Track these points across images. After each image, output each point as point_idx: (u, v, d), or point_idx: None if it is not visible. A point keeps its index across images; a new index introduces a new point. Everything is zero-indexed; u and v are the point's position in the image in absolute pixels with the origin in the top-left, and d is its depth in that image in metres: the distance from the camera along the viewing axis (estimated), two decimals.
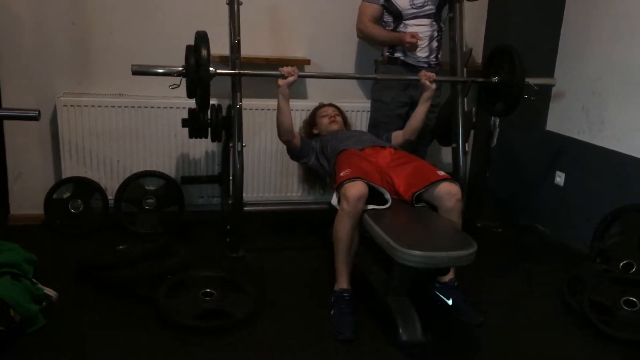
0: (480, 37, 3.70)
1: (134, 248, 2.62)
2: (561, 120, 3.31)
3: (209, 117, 2.83)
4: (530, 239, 3.40)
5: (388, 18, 3.03)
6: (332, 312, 2.30)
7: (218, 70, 2.57)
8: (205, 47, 2.44)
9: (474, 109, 3.18)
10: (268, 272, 2.77)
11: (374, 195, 2.33)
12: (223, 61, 2.98)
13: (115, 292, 2.40)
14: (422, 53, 3.01)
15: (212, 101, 2.68)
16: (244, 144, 2.78)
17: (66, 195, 3.12)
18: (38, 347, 2.02)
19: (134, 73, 2.49)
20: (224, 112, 2.88)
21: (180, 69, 2.48)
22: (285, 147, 2.87)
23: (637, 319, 2.26)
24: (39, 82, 3.06)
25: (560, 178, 3.32)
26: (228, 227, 2.90)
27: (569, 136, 3.25)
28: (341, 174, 2.37)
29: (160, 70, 2.51)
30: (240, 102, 2.77)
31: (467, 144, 3.09)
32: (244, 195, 2.84)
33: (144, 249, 2.58)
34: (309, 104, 3.34)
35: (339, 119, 3.00)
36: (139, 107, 3.12)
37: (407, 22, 2.98)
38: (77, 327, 2.18)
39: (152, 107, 3.14)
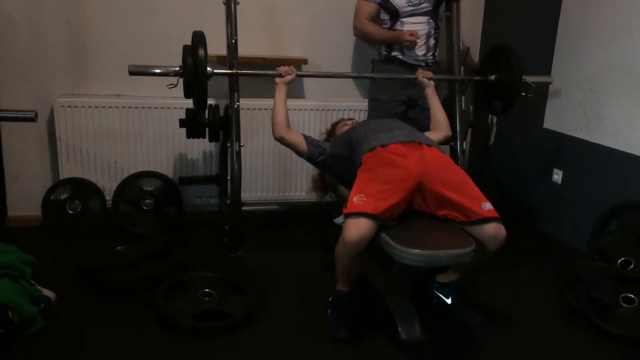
0: (477, 36, 3.72)
1: (132, 249, 2.62)
2: (558, 118, 3.32)
3: (207, 117, 2.82)
4: (528, 236, 3.40)
5: (385, 16, 3.02)
6: (329, 311, 2.30)
7: (215, 70, 2.58)
8: (203, 47, 2.43)
9: (471, 107, 3.18)
10: (267, 272, 2.76)
11: None
12: (220, 61, 2.98)
13: (114, 293, 2.40)
14: (419, 51, 3.01)
15: (210, 101, 2.67)
16: (242, 144, 2.78)
17: (64, 196, 3.12)
18: (37, 349, 2.02)
19: (131, 73, 2.49)
20: (221, 112, 2.87)
21: (178, 69, 2.48)
22: (282, 147, 2.84)
23: (635, 316, 2.27)
24: (35, 83, 3.05)
25: (558, 176, 3.32)
26: (226, 227, 2.90)
27: (566, 134, 3.25)
28: (353, 199, 2.05)
29: (158, 71, 2.52)
30: (238, 102, 2.76)
31: (465, 143, 3.09)
32: (242, 195, 2.84)
33: (143, 249, 2.58)
34: (307, 103, 3.35)
35: None
36: (136, 107, 3.12)
37: (404, 19, 2.98)
38: (76, 329, 2.18)
39: (149, 107, 3.14)
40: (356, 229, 1.99)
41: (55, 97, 3.02)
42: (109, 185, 3.17)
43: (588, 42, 3.07)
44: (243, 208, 2.85)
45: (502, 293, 2.65)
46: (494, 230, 2.08)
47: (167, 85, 2.48)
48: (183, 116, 2.85)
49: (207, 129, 2.86)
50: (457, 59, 3.06)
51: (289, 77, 2.64)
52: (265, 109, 3.21)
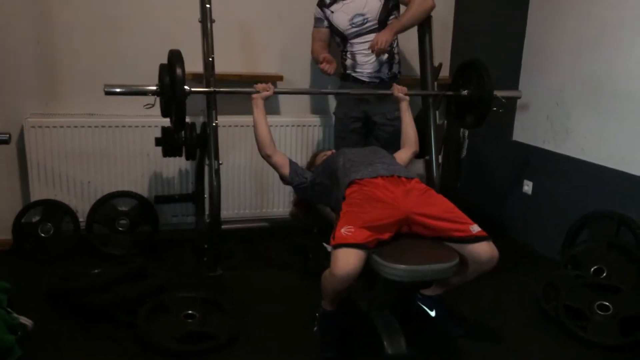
0: (446, 52, 3.79)
1: (109, 271, 2.57)
2: (527, 130, 3.41)
3: (184, 135, 2.80)
4: (501, 247, 3.43)
5: (337, 39, 3.10)
6: (315, 329, 2.30)
7: (193, 89, 2.55)
8: (180, 66, 2.42)
9: (445, 121, 3.24)
10: (248, 290, 2.74)
11: None
12: (195, 79, 2.97)
13: (92, 317, 2.34)
14: (369, 68, 3.06)
15: (186, 119, 2.65)
16: (220, 162, 2.76)
17: (35, 219, 3.03)
18: None
19: (107, 93, 2.45)
20: (197, 130, 2.85)
21: (155, 88, 2.46)
22: (262, 163, 2.83)
23: (610, 323, 2.34)
24: (4, 103, 2.98)
25: (528, 187, 3.41)
26: (205, 245, 2.87)
27: (535, 146, 3.34)
28: (341, 231, 2.03)
29: (135, 90, 2.48)
30: (216, 119, 2.75)
31: (439, 156, 3.15)
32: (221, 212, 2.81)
33: (120, 271, 2.53)
34: (282, 119, 3.36)
35: None
36: (109, 126, 3.08)
37: (352, 41, 3.04)
38: (55, 356, 2.12)
39: (122, 126, 3.10)
40: (345, 261, 1.95)
41: (25, 117, 2.95)
42: (82, 206, 3.10)
43: (554, 56, 3.18)
44: (222, 226, 2.83)
45: (481, 304, 2.69)
46: (487, 251, 2.13)
47: (144, 106, 2.45)
48: (158, 134, 2.82)
49: (183, 148, 2.83)
50: (430, 74, 3.12)
51: (266, 93, 2.66)
52: (242, 126, 3.21)
